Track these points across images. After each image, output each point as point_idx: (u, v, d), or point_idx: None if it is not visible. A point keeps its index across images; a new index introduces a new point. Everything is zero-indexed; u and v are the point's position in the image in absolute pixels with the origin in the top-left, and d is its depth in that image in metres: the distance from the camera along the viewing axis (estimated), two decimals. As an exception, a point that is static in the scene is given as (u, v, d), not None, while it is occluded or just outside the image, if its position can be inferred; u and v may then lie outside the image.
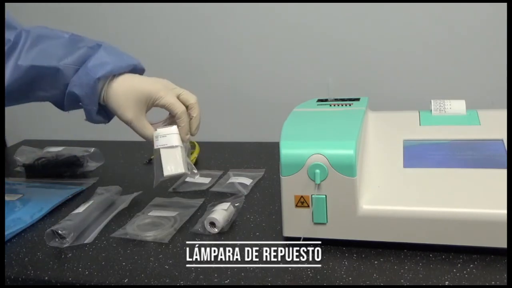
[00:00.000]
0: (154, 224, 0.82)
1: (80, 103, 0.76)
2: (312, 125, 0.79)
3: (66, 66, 0.74)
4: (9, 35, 0.73)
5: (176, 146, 0.77)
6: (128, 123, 0.77)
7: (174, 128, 0.78)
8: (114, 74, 0.76)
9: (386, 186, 0.73)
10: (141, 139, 1.22)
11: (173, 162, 0.77)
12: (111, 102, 0.76)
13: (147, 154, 1.19)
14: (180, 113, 0.77)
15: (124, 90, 0.75)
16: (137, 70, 0.80)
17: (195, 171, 0.80)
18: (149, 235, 0.78)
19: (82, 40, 0.78)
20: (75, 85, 0.74)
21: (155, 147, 0.78)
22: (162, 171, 0.78)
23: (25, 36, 0.74)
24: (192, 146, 1.15)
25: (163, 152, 0.78)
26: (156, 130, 0.79)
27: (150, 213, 0.86)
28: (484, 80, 1.16)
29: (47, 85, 0.75)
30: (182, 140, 0.78)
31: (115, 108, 0.76)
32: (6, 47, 0.73)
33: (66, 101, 0.77)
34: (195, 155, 1.12)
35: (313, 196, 0.69)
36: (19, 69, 0.72)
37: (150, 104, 0.77)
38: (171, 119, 0.80)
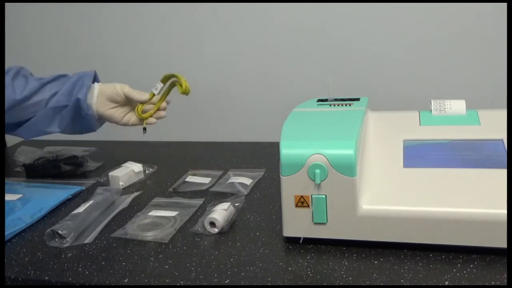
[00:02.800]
0: (154, 224, 0.82)
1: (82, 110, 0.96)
2: (312, 125, 0.79)
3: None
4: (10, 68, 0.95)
5: None
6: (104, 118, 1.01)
7: None
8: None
9: (386, 186, 0.73)
10: (141, 139, 1.22)
11: None
12: (104, 88, 0.99)
13: (147, 154, 1.19)
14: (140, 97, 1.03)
15: (100, 95, 0.98)
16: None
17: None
18: (149, 235, 0.78)
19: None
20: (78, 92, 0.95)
21: None
22: None
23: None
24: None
25: None
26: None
27: (150, 213, 0.86)
28: (484, 80, 1.16)
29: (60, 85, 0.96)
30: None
31: (97, 107, 0.98)
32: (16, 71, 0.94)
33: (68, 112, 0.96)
34: (185, 87, 0.98)
35: (313, 196, 0.69)
36: (41, 81, 0.94)
37: (113, 99, 0.99)
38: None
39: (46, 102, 0.94)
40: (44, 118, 0.95)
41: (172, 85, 1.01)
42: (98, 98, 0.97)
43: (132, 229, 0.80)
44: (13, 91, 0.90)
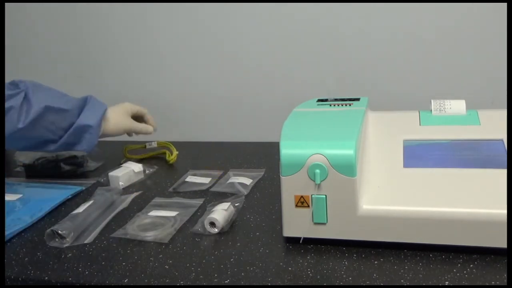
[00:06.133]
0: (154, 224, 0.82)
1: (86, 134, 0.95)
2: (312, 125, 0.79)
3: (73, 109, 0.93)
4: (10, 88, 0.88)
5: None
6: (128, 128, 1.05)
7: None
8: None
9: (386, 186, 0.73)
10: (141, 139, 1.22)
11: None
12: (110, 123, 1.01)
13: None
14: (147, 113, 1.12)
15: (117, 112, 1.03)
16: None
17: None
18: (149, 235, 0.78)
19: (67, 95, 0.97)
20: (87, 117, 0.94)
21: None
22: None
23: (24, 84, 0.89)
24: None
25: None
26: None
27: (150, 213, 0.86)
28: (484, 80, 1.16)
29: (55, 125, 0.91)
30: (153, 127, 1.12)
31: (116, 124, 1.02)
32: (11, 93, 0.86)
33: (68, 137, 0.93)
34: (173, 157, 1.14)
35: (313, 196, 0.69)
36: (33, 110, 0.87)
37: (131, 113, 1.07)
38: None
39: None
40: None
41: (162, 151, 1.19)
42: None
43: (132, 229, 0.80)
44: (18, 119, 0.85)
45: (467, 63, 1.16)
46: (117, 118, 1.02)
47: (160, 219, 0.83)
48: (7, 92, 0.85)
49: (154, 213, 0.86)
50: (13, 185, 1.03)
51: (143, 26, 1.33)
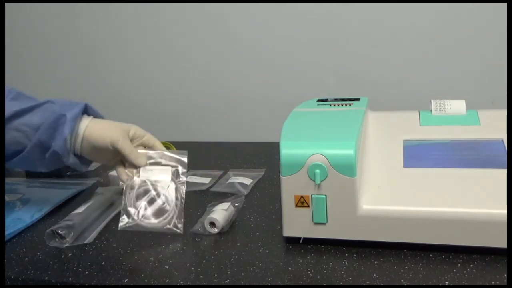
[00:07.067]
0: (160, 210, 0.80)
1: (59, 126, 0.77)
2: (312, 125, 0.79)
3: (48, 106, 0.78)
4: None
5: None
6: (115, 142, 0.79)
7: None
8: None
9: (386, 186, 0.73)
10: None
11: None
12: (96, 128, 0.79)
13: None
14: (159, 146, 0.86)
15: (112, 123, 0.81)
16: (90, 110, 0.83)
17: None
18: (162, 221, 0.78)
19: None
20: (63, 109, 0.78)
21: None
22: None
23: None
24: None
25: None
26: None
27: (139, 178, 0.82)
28: (484, 80, 1.16)
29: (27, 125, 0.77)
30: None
31: (104, 132, 0.79)
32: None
33: (41, 133, 0.77)
34: None
35: (313, 196, 0.69)
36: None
37: (132, 135, 0.83)
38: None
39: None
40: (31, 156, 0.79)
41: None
42: (83, 145, 0.79)
43: (141, 215, 0.79)
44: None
45: (467, 63, 1.16)
46: (108, 127, 0.80)
47: (159, 206, 0.80)
48: None
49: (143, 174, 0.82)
50: (13, 185, 1.03)
51: (144, 27, 1.33)
